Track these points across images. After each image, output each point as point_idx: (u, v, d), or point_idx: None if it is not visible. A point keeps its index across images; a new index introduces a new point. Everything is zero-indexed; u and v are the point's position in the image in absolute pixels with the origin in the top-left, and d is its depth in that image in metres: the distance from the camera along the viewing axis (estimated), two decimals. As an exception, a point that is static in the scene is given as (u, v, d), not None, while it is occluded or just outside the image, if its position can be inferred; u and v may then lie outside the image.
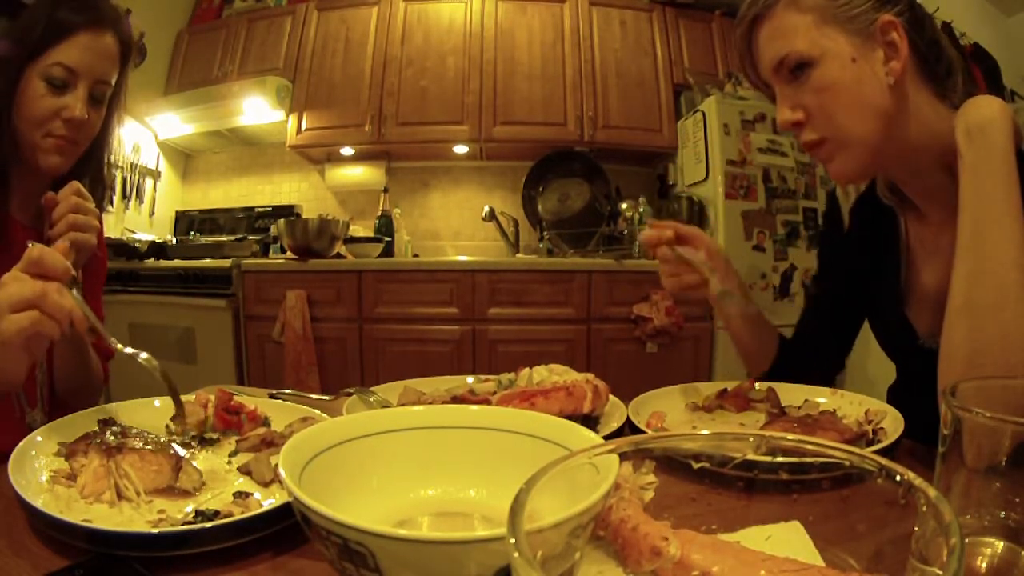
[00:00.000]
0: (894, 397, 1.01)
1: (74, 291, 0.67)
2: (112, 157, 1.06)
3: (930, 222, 0.87)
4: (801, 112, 0.78)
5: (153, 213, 3.36)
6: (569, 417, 0.61)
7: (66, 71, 0.90)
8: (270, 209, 3.41)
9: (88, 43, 0.91)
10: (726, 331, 1.04)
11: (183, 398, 0.79)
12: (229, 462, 0.67)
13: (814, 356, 1.03)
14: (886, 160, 0.80)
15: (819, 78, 0.75)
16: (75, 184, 0.88)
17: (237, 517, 0.50)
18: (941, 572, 0.21)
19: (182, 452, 0.62)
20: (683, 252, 0.93)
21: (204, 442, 0.72)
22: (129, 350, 0.74)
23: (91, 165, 1.02)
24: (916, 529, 0.25)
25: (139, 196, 3.25)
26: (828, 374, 0.97)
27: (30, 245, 0.67)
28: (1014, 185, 0.65)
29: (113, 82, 0.97)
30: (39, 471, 0.59)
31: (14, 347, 0.64)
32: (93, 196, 0.95)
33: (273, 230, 3.06)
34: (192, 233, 3.43)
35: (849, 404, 0.84)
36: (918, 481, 0.26)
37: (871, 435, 0.75)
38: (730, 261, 0.99)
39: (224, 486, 0.60)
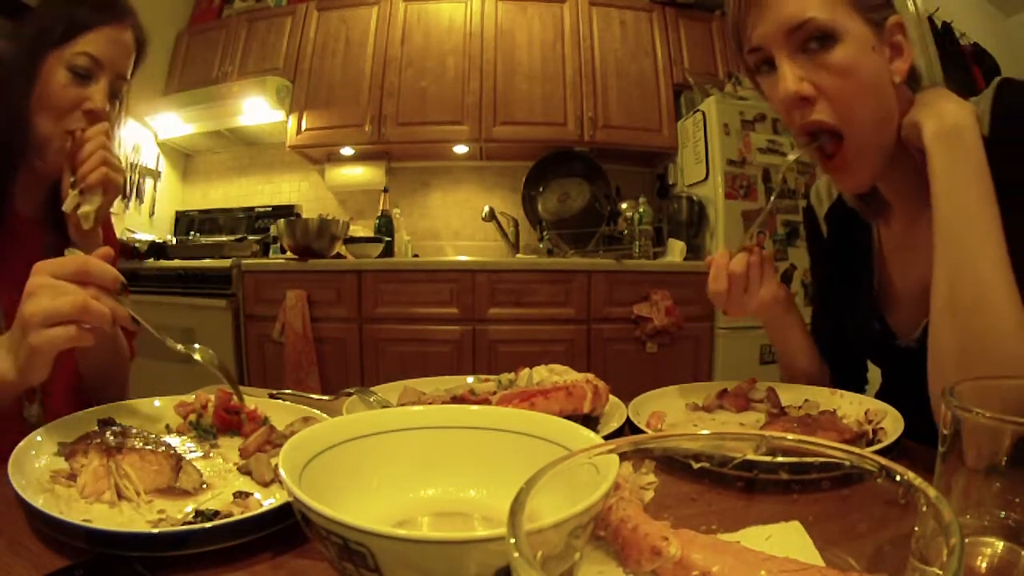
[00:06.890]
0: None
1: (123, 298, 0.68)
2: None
3: (898, 221, 0.85)
4: (811, 88, 0.71)
5: (153, 213, 3.36)
6: (569, 417, 0.61)
7: (92, 61, 0.87)
8: (270, 209, 3.41)
9: (113, 36, 0.89)
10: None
11: (182, 398, 0.79)
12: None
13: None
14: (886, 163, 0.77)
15: (843, 58, 0.69)
16: (104, 124, 0.87)
17: (237, 517, 0.50)
18: (941, 572, 0.21)
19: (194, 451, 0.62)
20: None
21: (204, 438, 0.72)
22: (181, 347, 0.75)
23: None
24: (916, 529, 0.25)
25: (139, 196, 3.25)
26: (857, 388, 0.95)
27: (67, 252, 0.66)
28: (988, 186, 0.65)
29: (128, 78, 0.95)
30: (39, 471, 0.59)
31: (44, 357, 0.63)
32: None
33: (273, 230, 3.06)
34: (192, 233, 3.44)
35: (849, 404, 0.84)
36: (918, 481, 0.26)
37: (871, 435, 0.74)
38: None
39: (224, 486, 0.60)
